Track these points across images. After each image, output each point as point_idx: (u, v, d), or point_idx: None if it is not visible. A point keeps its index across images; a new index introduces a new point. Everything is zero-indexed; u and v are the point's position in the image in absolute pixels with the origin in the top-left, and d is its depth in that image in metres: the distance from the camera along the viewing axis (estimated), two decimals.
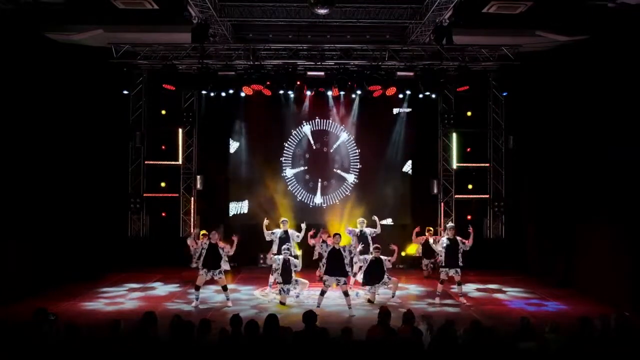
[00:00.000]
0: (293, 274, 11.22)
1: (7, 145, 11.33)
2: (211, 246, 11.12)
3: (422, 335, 6.76)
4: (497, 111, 16.18)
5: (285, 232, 12.69)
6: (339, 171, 16.18)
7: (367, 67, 13.55)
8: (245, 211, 16.07)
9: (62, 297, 11.52)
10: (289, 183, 16.16)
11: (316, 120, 16.15)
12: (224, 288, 11.21)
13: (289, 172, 16.15)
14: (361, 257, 11.84)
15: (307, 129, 16.15)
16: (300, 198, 16.12)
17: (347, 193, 16.12)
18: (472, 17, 11.67)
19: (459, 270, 11.58)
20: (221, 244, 11.26)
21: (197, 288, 11.15)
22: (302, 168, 16.18)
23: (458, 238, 11.72)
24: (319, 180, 16.16)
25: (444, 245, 11.68)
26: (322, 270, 10.94)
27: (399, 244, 15.02)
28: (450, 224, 12.93)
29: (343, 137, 16.21)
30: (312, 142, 16.17)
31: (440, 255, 11.87)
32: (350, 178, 16.18)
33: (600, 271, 11.63)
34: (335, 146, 16.20)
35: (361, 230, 12.81)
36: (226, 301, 11.19)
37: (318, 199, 16.16)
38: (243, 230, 15.29)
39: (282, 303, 11.15)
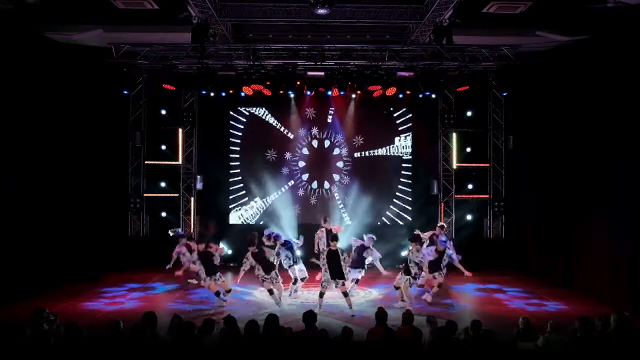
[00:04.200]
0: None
1: (7, 145, 11.33)
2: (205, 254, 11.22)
3: (422, 335, 6.77)
4: (497, 111, 16.17)
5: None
6: (339, 174, 16.18)
7: (367, 67, 13.54)
8: (245, 211, 16.09)
9: (62, 297, 11.52)
10: (288, 182, 16.16)
11: (315, 119, 16.18)
12: (217, 294, 11.09)
13: (288, 171, 16.17)
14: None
15: (306, 129, 16.19)
16: (299, 196, 16.13)
17: (347, 193, 16.12)
18: (472, 17, 11.68)
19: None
20: (213, 248, 11.32)
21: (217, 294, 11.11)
22: (301, 167, 16.19)
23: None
24: (319, 178, 16.17)
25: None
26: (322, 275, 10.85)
27: (398, 243, 15.12)
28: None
29: (343, 136, 16.24)
30: (311, 141, 16.17)
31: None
32: (351, 178, 16.20)
33: (600, 271, 11.62)
34: (335, 146, 16.21)
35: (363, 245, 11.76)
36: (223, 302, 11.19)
37: (315, 199, 16.17)
38: (244, 230, 15.33)
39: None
